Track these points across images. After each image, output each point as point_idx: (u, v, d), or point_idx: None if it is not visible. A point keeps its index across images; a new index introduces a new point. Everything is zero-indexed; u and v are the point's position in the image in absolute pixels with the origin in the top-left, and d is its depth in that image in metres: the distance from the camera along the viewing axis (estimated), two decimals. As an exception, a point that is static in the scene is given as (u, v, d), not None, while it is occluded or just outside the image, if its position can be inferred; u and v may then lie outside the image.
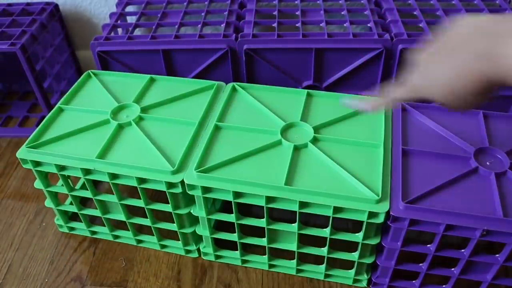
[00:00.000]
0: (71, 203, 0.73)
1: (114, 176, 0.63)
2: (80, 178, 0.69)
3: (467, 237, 0.55)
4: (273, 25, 0.84)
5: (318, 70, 0.81)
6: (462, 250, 0.58)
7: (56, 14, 0.98)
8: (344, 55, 0.79)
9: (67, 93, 0.74)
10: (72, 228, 0.77)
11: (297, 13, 0.87)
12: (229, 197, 0.59)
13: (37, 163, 0.66)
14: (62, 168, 0.65)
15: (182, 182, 0.60)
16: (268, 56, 0.80)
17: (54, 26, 0.99)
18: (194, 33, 0.81)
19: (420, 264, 0.62)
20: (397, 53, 0.77)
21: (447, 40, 0.46)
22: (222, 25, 0.84)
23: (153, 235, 0.72)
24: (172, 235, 0.72)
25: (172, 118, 0.69)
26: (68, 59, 1.05)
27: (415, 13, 0.86)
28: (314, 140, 0.64)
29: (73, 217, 0.77)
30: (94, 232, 0.76)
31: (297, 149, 0.63)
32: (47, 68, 0.96)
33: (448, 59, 0.45)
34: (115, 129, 0.67)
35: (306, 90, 0.72)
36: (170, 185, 0.61)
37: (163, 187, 0.61)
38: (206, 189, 0.60)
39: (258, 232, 0.65)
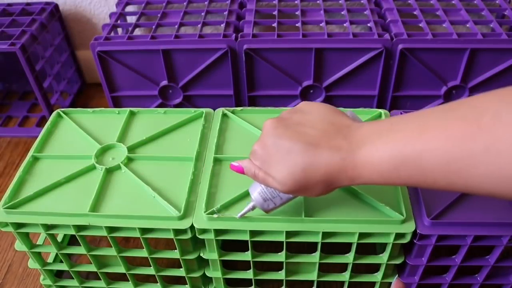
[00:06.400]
0: (54, 260, 0.67)
1: (112, 229, 0.56)
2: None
3: (493, 245, 0.54)
4: (273, 25, 0.84)
5: (318, 70, 0.81)
6: (487, 257, 0.57)
7: (56, 14, 0.98)
8: (344, 55, 0.79)
9: (38, 139, 0.65)
10: (62, 287, 0.68)
11: (297, 13, 0.86)
12: (245, 237, 0.54)
13: (19, 225, 0.56)
14: (50, 227, 0.56)
15: (191, 226, 0.54)
16: (268, 56, 0.80)
17: (54, 26, 0.99)
18: (194, 33, 0.81)
19: (444, 275, 0.60)
20: (397, 53, 0.77)
21: (300, 120, 0.41)
22: (222, 25, 0.84)
23: (156, 283, 0.64)
24: (176, 280, 0.64)
25: (165, 155, 0.62)
26: (68, 59, 1.05)
27: (415, 13, 0.86)
28: None
29: (58, 274, 0.69)
30: None
31: None
32: (47, 68, 0.96)
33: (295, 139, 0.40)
34: (104, 175, 0.59)
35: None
36: (178, 231, 0.54)
37: (170, 235, 0.55)
38: (218, 232, 0.54)
39: (271, 266, 0.60)
